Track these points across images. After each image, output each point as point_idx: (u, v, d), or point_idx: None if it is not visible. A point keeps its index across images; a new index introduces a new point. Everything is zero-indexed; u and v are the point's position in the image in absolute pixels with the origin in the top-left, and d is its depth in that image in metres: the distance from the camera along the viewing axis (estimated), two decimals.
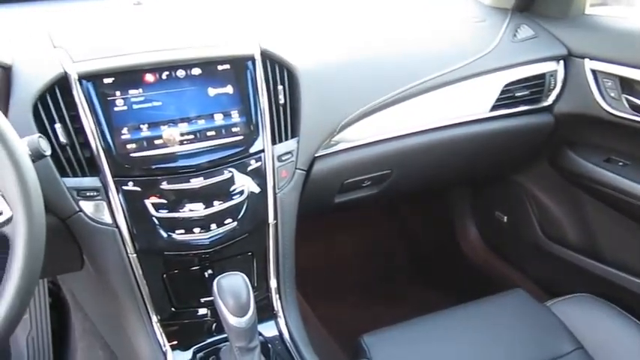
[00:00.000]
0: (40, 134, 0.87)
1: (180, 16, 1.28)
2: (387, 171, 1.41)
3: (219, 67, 1.11)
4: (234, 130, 1.10)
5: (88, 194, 1.01)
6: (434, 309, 1.29)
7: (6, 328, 0.76)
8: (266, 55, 1.15)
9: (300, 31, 1.35)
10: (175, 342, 1.12)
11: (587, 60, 1.42)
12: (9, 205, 0.76)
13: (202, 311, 1.15)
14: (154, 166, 1.04)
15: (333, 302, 1.94)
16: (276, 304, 1.21)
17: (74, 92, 1.01)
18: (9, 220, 0.75)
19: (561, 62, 1.47)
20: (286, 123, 1.17)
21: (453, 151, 1.48)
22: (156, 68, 1.06)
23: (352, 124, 1.26)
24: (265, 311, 1.20)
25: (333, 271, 2.09)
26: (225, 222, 1.09)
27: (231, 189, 1.09)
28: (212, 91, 1.10)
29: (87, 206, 1.01)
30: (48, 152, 0.87)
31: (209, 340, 1.15)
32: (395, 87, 1.28)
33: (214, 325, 1.17)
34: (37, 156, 0.84)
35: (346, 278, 2.09)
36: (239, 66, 1.12)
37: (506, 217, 1.90)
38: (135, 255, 1.05)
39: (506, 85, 1.43)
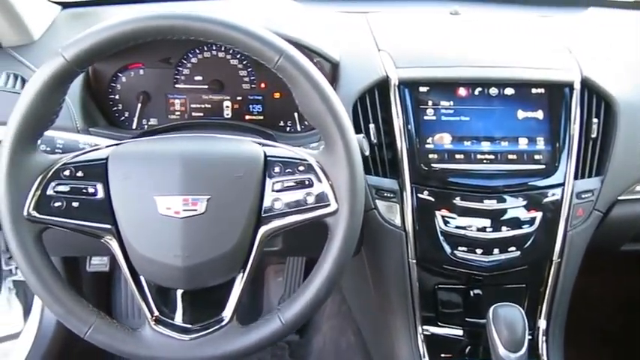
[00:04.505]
0: (363, 134, 0.93)
1: (497, 31, 1.26)
2: None
3: (533, 90, 1.08)
4: (536, 157, 1.06)
5: (385, 194, 1.05)
6: None
7: (309, 310, 0.83)
8: (586, 84, 1.08)
9: (619, 57, 1.23)
10: (433, 356, 1.13)
11: None
12: (336, 198, 0.82)
13: (462, 331, 1.14)
14: (451, 180, 1.05)
15: (582, 349, 1.77)
16: (541, 347, 1.14)
17: (391, 96, 1.05)
18: (334, 213, 0.82)
19: None
20: (593, 159, 1.09)
21: None
22: (470, 83, 1.07)
23: None
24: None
25: (586, 313, 1.91)
26: (509, 249, 1.06)
27: (522, 217, 1.05)
28: (521, 114, 1.07)
29: (381, 205, 1.06)
30: (367, 152, 0.92)
31: None
32: None
33: (469, 347, 1.15)
34: None
35: (599, 325, 1.90)
36: (554, 92, 1.08)
37: None
38: (414, 261, 1.07)
39: None
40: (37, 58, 1.11)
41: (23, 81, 1.07)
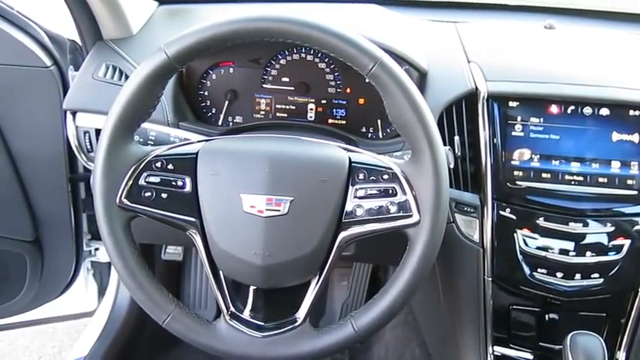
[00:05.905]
0: (448, 147, 0.92)
1: (594, 47, 1.22)
2: None
3: (631, 112, 1.03)
4: (629, 182, 1.02)
5: (464, 209, 1.03)
6: None
7: (383, 319, 0.82)
8: None
9: None
10: None
11: None
12: (419, 209, 0.81)
13: (533, 356, 1.10)
14: (535, 199, 1.02)
15: None
16: None
17: (479, 109, 1.03)
18: (415, 224, 0.81)
19: None
20: None
21: None
22: (563, 101, 1.03)
23: None
24: None
25: None
26: (592, 275, 1.01)
27: (609, 244, 1.00)
28: (616, 136, 1.02)
29: (460, 220, 1.04)
30: (452, 165, 0.91)
31: None
32: None
33: None
34: None
35: None
36: None
37: None
38: (490, 279, 1.05)
39: None
40: (135, 51, 1.16)
41: (121, 73, 1.12)
